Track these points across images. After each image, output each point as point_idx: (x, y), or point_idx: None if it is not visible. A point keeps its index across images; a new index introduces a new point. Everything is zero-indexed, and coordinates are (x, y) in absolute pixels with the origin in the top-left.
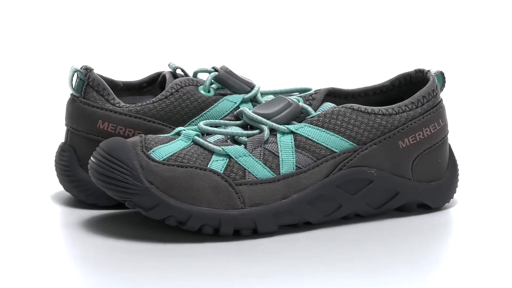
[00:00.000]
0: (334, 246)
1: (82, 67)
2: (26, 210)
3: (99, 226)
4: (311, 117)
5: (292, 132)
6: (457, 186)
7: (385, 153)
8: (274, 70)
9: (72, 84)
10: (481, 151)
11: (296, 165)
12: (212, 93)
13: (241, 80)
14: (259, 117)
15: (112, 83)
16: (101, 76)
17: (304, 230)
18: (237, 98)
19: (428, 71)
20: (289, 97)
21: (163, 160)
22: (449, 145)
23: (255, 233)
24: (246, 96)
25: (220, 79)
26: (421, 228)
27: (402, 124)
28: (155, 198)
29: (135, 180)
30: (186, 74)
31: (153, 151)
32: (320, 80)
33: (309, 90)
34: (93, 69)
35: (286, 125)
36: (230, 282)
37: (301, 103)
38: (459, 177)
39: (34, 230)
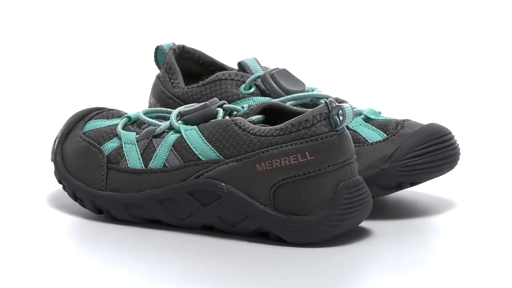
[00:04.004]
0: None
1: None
2: None
3: None
4: (205, 123)
5: (180, 132)
6: (334, 227)
7: (242, 173)
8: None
9: (157, 60)
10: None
11: (164, 163)
12: (252, 91)
13: (280, 85)
14: (172, 113)
15: (222, 69)
16: (213, 60)
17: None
18: (262, 100)
19: (329, 102)
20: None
21: (84, 132)
22: (344, 185)
23: (113, 217)
24: (273, 100)
25: (261, 81)
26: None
27: (265, 147)
28: (55, 163)
29: (53, 146)
30: (244, 70)
31: (88, 123)
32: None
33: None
34: (174, 49)
35: (183, 125)
36: None
37: (220, 108)
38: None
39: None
